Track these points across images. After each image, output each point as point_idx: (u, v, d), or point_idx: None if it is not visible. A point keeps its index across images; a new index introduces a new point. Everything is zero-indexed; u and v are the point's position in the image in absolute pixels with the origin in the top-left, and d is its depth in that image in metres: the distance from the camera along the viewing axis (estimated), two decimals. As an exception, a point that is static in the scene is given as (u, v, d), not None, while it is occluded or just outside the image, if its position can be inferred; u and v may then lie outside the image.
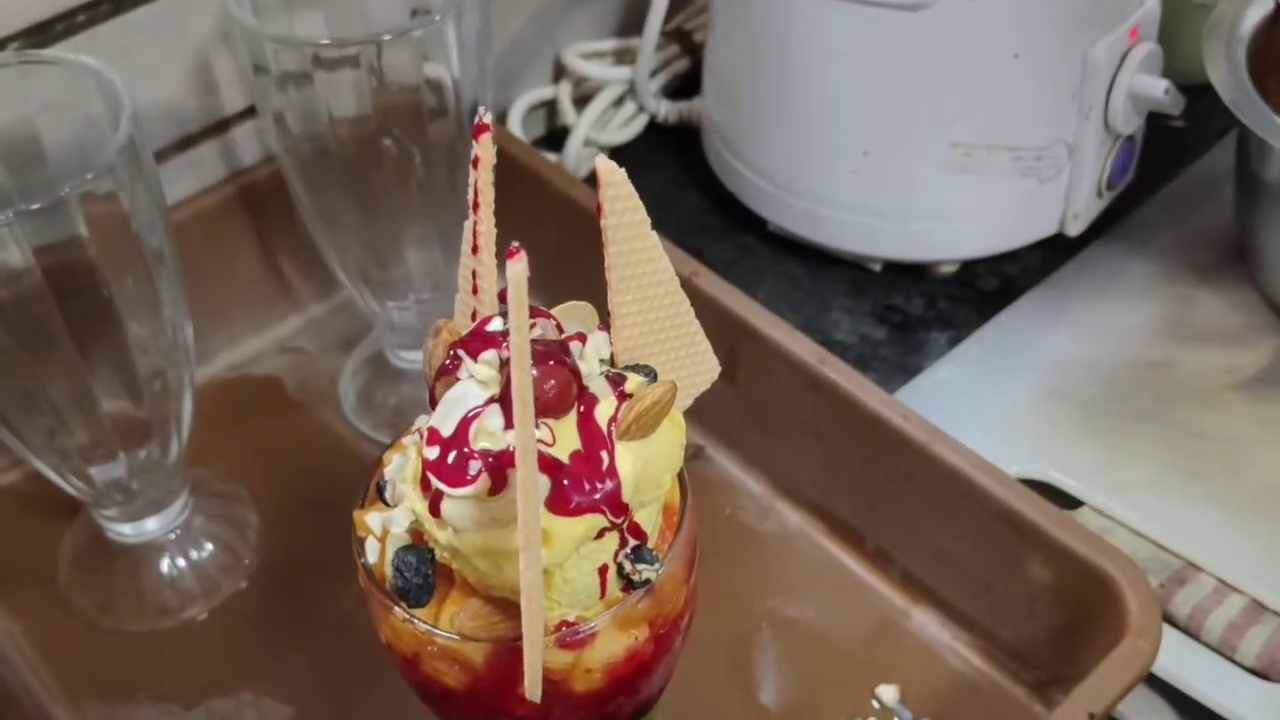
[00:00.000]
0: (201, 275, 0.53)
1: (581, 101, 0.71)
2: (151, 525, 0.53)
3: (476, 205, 0.31)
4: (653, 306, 0.32)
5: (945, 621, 0.51)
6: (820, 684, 0.50)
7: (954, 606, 0.51)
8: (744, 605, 0.52)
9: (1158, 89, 0.58)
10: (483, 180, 0.31)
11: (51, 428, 0.48)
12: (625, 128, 0.71)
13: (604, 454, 0.31)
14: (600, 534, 0.31)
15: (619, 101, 0.71)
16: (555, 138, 0.71)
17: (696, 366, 0.34)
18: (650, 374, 0.32)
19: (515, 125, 0.70)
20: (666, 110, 0.71)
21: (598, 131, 0.70)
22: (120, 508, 0.52)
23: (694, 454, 0.57)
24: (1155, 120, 0.64)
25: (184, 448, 0.51)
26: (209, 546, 0.54)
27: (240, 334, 0.62)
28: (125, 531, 0.53)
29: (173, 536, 0.53)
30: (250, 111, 0.60)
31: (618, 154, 0.70)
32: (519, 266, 0.25)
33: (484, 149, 0.30)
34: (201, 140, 0.60)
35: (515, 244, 0.26)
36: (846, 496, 0.53)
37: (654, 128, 0.72)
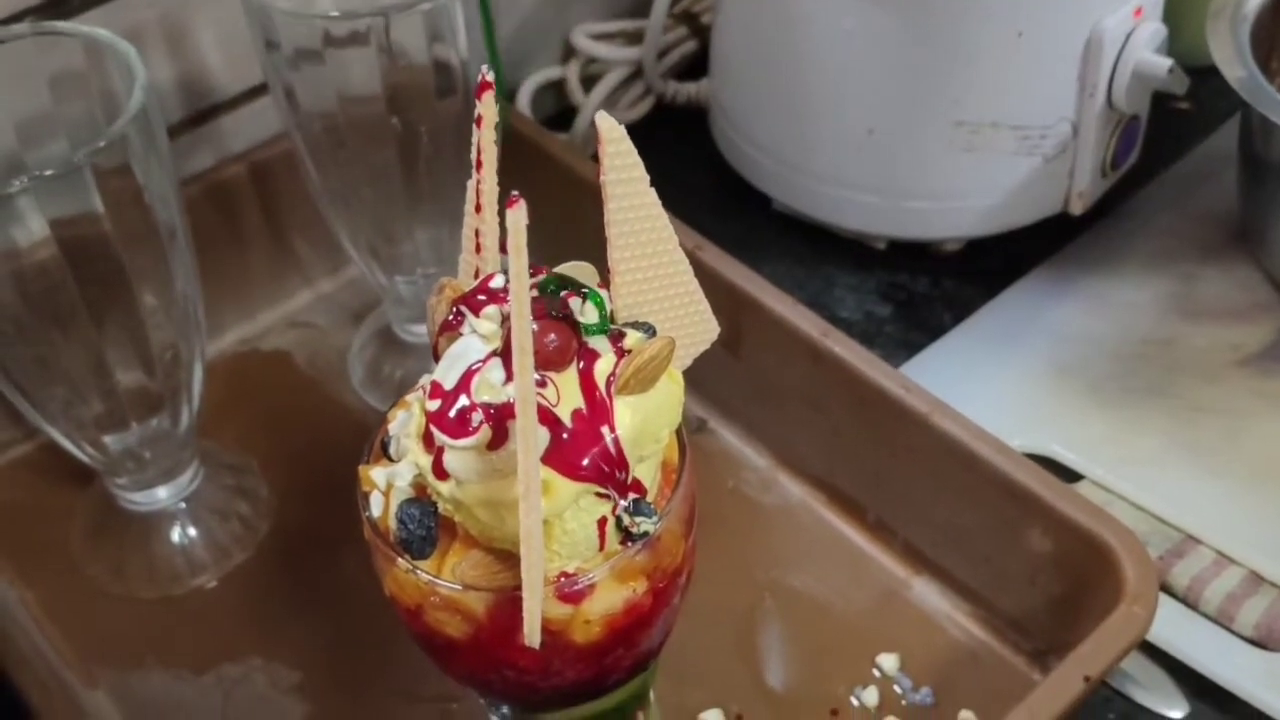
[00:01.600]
0: (213, 250, 0.54)
1: (590, 82, 0.72)
2: (162, 494, 0.54)
3: (479, 164, 0.32)
4: (652, 264, 0.33)
5: (945, 591, 0.51)
6: (821, 653, 0.50)
7: (954, 577, 0.51)
8: (746, 576, 0.52)
9: (1162, 68, 0.58)
10: (485, 139, 0.31)
11: (67, 396, 0.49)
12: (633, 108, 0.72)
13: (605, 429, 0.31)
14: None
15: (627, 82, 0.72)
16: (564, 117, 0.72)
17: (696, 326, 0.35)
18: (649, 330, 0.33)
19: (524, 105, 0.70)
20: (674, 91, 0.72)
21: (605, 111, 0.70)
22: (132, 476, 0.52)
23: (697, 427, 0.57)
24: (1161, 103, 0.64)
25: (194, 418, 0.52)
26: (219, 516, 0.55)
27: (250, 309, 0.63)
28: (137, 500, 0.54)
29: (183, 505, 0.54)
30: (262, 88, 0.61)
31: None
32: (518, 214, 0.26)
33: (486, 107, 0.31)
34: (214, 116, 0.61)
35: (515, 193, 0.26)
36: (848, 469, 0.54)
37: (661, 108, 0.73)
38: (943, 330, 0.61)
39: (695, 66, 0.73)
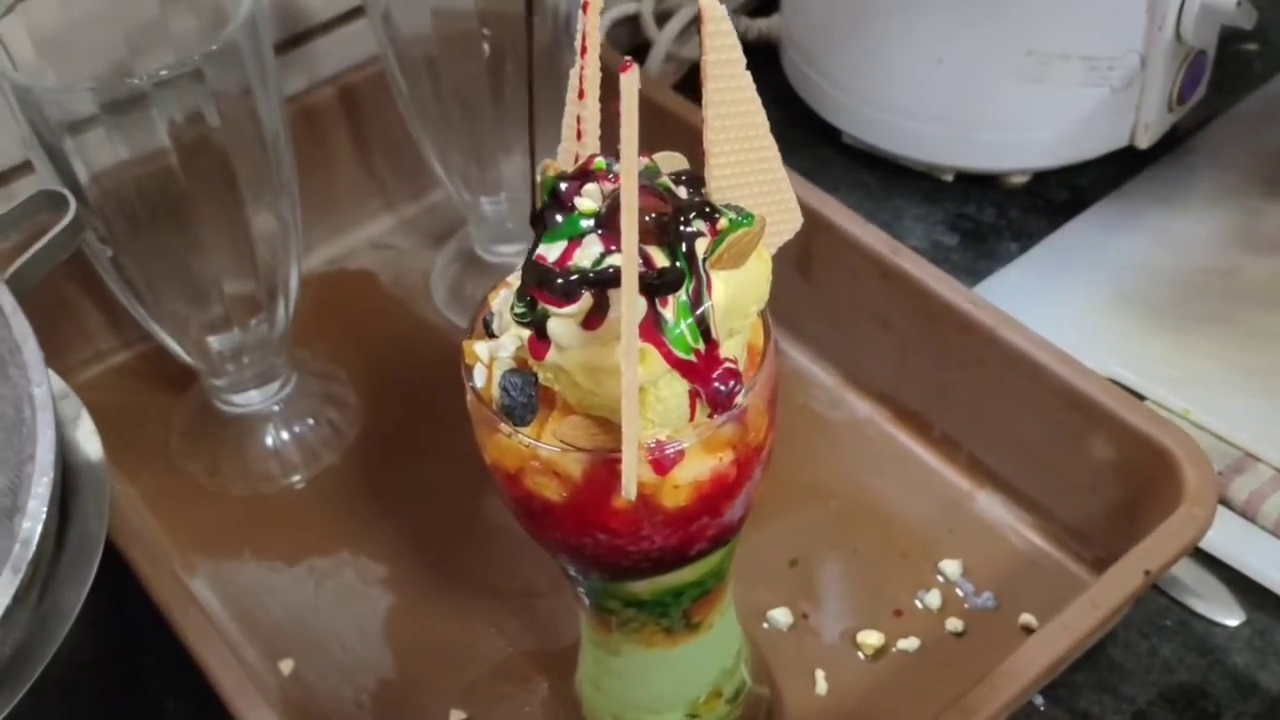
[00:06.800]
0: (302, 172, 0.56)
1: (663, 18, 0.73)
2: (256, 397, 0.56)
3: (584, 50, 0.34)
4: (744, 148, 0.34)
5: (1008, 503, 0.53)
6: (886, 560, 0.52)
7: (1017, 488, 0.53)
8: (814, 488, 0.54)
9: (1230, 1, 0.59)
10: (590, 25, 0.33)
11: (176, 298, 0.51)
12: (706, 44, 0.73)
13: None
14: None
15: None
16: (638, 53, 0.74)
17: (782, 214, 0.37)
18: (740, 212, 0.35)
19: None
20: (746, 27, 0.73)
21: (679, 46, 0.72)
22: (230, 378, 0.55)
23: (768, 345, 0.59)
24: (1229, 41, 0.65)
25: (290, 322, 0.55)
26: (310, 421, 0.57)
27: (338, 230, 0.66)
28: (233, 402, 0.56)
29: (276, 409, 0.57)
30: (354, 13, 0.63)
31: (698, 70, 0.72)
32: (631, 77, 0.28)
33: (593, -7, 0.33)
34: (307, 40, 0.63)
35: (628, 58, 0.28)
36: (914, 385, 0.55)
37: (734, 45, 0.74)
38: (1009, 259, 0.63)
39: (768, 2, 0.74)
